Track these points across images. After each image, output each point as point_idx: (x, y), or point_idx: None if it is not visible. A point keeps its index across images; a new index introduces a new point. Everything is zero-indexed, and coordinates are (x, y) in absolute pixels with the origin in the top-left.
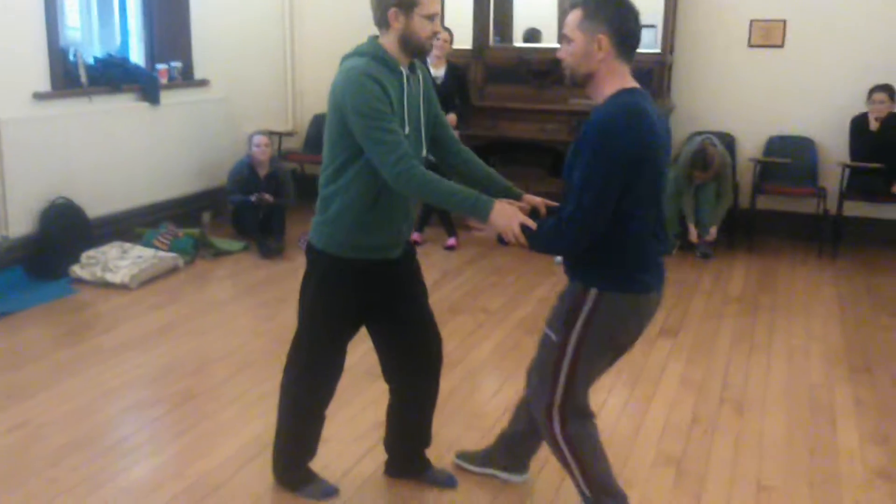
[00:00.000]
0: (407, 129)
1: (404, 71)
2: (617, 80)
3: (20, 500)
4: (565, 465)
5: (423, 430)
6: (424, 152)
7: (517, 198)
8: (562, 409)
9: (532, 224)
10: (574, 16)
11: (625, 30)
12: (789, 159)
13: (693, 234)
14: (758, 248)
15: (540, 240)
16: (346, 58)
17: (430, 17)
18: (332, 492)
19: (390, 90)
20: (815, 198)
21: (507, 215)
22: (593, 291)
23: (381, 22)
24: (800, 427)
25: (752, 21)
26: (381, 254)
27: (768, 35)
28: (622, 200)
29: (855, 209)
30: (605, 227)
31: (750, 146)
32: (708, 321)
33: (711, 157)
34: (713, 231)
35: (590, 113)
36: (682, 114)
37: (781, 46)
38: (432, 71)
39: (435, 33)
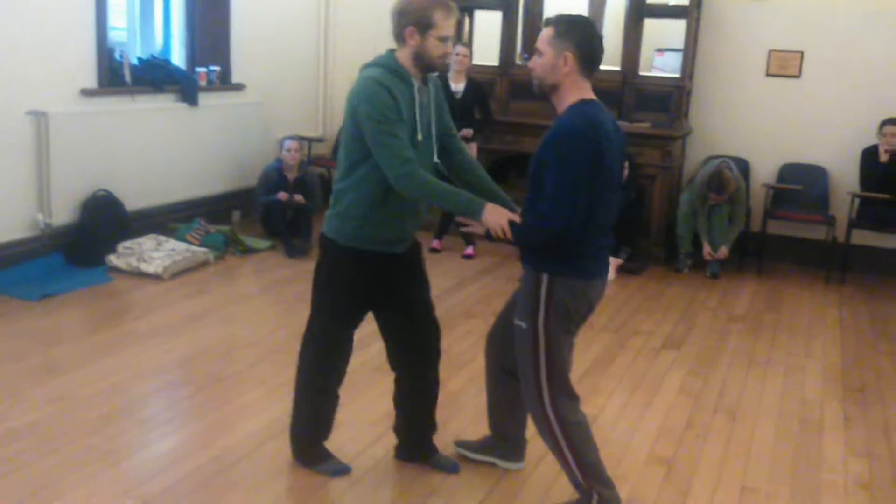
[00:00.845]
0: (420, 136)
1: (416, 83)
2: (578, 92)
3: (59, 463)
4: (558, 450)
5: (428, 416)
6: (435, 158)
7: (511, 209)
8: (550, 388)
9: (518, 220)
10: (547, 32)
11: (588, 51)
12: (801, 186)
13: (707, 250)
14: (767, 271)
15: (525, 233)
16: (364, 67)
17: (444, 39)
18: (344, 470)
19: (401, 100)
20: (825, 225)
21: (498, 213)
22: (545, 277)
23: (399, 37)
24: (788, 437)
25: (770, 51)
26: (387, 247)
27: (785, 65)
28: None
29: (863, 238)
30: (584, 216)
31: (763, 172)
32: (711, 336)
33: (727, 180)
34: (724, 250)
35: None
36: (699, 137)
37: (798, 77)
38: (452, 86)
39: (447, 54)
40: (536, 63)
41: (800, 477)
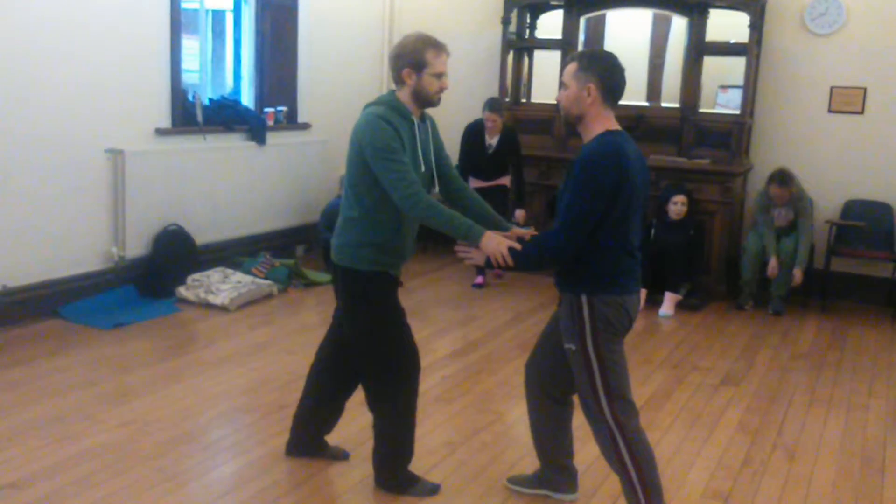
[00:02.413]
0: (423, 168)
1: (415, 119)
2: (603, 122)
3: (129, 484)
4: (623, 471)
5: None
6: (437, 188)
7: (506, 230)
8: (609, 400)
9: (518, 246)
10: (571, 67)
11: (610, 82)
12: (865, 223)
13: (773, 266)
14: (830, 309)
15: (525, 256)
16: (367, 105)
17: (438, 76)
18: (436, 489)
19: (403, 133)
20: (891, 262)
21: (496, 241)
22: (584, 297)
23: (397, 79)
24: (848, 476)
25: (832, 87)
26: (394, 269)
27: (848, 102)
28: (602, 222)
29: None
30: (584, 241)
31: (827, 209)
32: (772, 374)
33: (790, 175)
34: (798, 274)
35: (581, 150)
36: (760, 174)
37: (861, 113)
38: (487, 139)
39: (442, 88)
40: (562, 95)
41: None
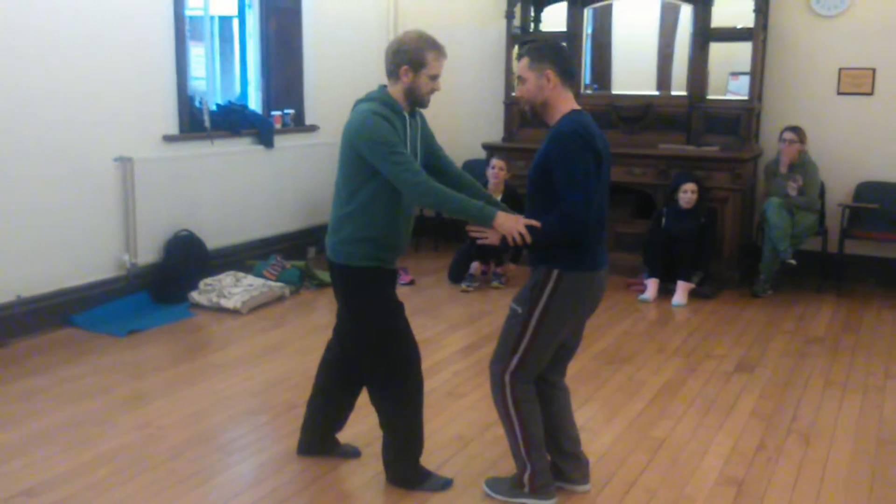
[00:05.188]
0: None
1: (406, 116)
2: (566, 104)
3: (143, 486)
4: (508, 423)
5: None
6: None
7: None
8: (514, 374)
9: (536, 224)
10: (523, 62)
11: (565, 65)
12: (878, 205)
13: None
14: (845, 292)
15: (544, 235)
16: (358, 102)
17: (433, 77)
18: (448, 484)
19: (397, 128)
20: None
21: (512, 219)
22: (555, 272)
23: (392, 74)
24: (864, 459)
25: (840, 69)
26: (389, 263)
27: (857, 83)
28: None
29: None
30: (594, 208)
31: (839, 191)
32: (786, 359)
33: (803, 131)
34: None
35: (551, 132)
36: (770, 159)
37: (871, 94)
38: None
39: (433, 91)
40: (522, 90)
41: (876, 497)
